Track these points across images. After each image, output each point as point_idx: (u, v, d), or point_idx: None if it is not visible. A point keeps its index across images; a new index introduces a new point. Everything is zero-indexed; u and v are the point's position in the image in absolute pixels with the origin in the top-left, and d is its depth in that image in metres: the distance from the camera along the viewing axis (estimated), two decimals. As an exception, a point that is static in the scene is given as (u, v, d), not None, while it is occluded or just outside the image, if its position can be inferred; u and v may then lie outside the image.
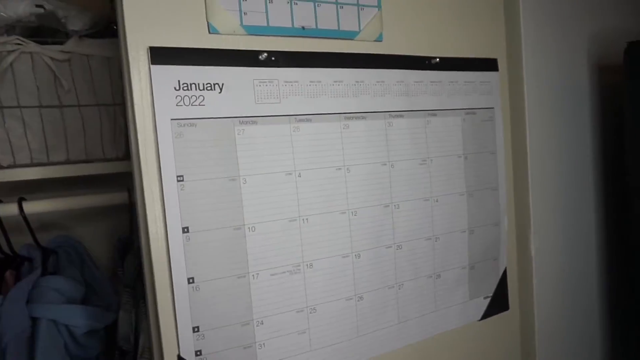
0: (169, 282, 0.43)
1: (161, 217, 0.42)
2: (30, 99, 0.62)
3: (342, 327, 0.52)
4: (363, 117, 0.53)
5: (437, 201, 0.59)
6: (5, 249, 0.63)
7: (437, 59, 0.59)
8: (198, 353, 0.44)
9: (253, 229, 0.46)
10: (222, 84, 0.45)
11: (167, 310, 0.43)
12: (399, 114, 0.56)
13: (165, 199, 0.42)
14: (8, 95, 0.62)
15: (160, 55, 0.41)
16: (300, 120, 0.49)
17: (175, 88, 0.42)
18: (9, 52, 0.60)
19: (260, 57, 0.47)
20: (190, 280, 0.44)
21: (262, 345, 0.48)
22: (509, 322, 0.68)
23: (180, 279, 0.43)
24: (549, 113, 0.68)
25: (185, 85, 0.43)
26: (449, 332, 0.62)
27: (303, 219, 0.49)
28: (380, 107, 0.54)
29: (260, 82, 0.47)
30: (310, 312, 0.50)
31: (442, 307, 0.61)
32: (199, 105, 0.43)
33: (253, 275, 0.47)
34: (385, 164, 0.55)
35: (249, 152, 0.46)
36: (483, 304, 0.65)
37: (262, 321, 0.47)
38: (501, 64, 0.65)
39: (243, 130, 0.46)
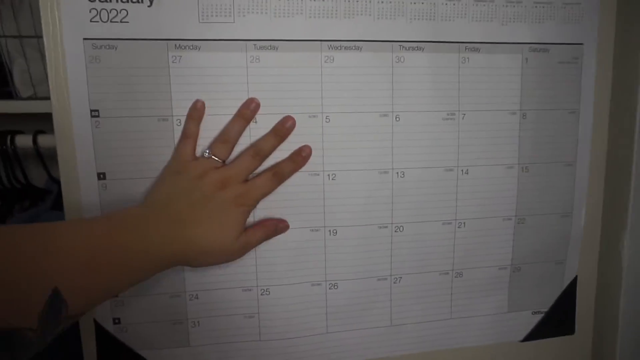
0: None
1: (74, 161, 0.39)
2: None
3: (305, 319, 0.45)
4: (357, 48, 0.43)
5: (466, 172, 0.47)
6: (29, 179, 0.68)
7: (488, -33, 0.44)
8: (116, 320, 0.42)
9: (187, 183, 0.41)
10: (154, -5, 0.38)
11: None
12: (416, 45, 0.44)
13: (75, 139, 0.38)
14: (27, 23, 0.64)
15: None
16: (261, 48, 0.41)
17: (89, -1, 0.37)
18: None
19: (210, -40, 0.39)
20: (106, 236, 0.40)
21: (196, 323, 0.43)
22: (573, 351, 0.54)
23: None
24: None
25: (104, -5, 0.37)
26: (468, 349, 0.51)
27: (257, 178, 0.42)
28: (385, 34, 0.43)
29: (208, -6, 0.39)
30: (262, 293, 0.44)
31: (461, 316, 0.49)
32: (121, 22, 0.38)
33: (186, 240, 0.42)
34: (386, 115, 0.44)
35: (187, 86, 0.40)
36: (530, 320, 0.52)
37: (196, 295, 0.43)
38: (605, -24, 0.47)
39: (179, 57, 0.39)
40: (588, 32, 0.47)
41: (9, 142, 0.63)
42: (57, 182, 0.69)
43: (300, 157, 0.42)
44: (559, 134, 0.48)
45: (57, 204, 0.68)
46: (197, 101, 0.39)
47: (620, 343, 0.52)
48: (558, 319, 0.53)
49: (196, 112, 0.39)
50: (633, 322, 0.51)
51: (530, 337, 0.52)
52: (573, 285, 0.52)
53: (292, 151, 0.42)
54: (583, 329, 0.54)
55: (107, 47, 0.38)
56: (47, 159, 0.65)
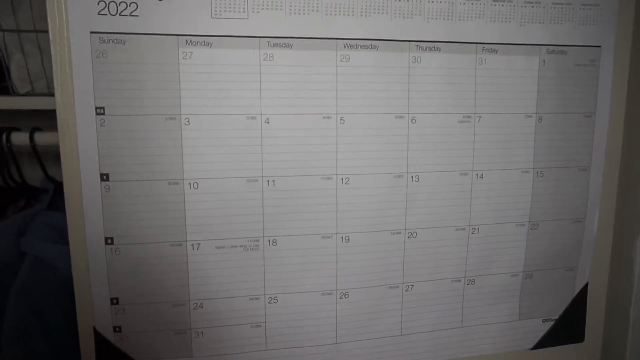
0: (84, 244, 0.40)
1: (76, 161, 0.39)
2: (46, 24, 0.64)
3: (313, 328, 0.46)
4: (374, 47, 0.44)
5: (481, 177, 0.48)
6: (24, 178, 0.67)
7: (508, -34, 0.46)
8: (117, 329, 0.42)
9: (195, 185, 0.41)
10: (164, -12, 0.39)
11: (83, 278, 0.41)
12: (433, 45, 0.45)
13: (79, 136, 0.39)
14: (26, 17, 0.64)
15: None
16: (275, 45, 0.41)
17: (97, -10, 0.37)
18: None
19: (224, -48, 0.39)
20: (109, 241, 0.41)
21: (200, 334, 0.44)
22: (582, 359, 0.56)
23: (96, 239, 0.40)
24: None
25: (112, -13, 0.38)
26: (478, 358, 0.52)
27: (268, 180, 0.43)
28: (402, 34, 0.44)
29: (221, -12, 0.40)
30: (269, 302, 0.45)
31: (472, 324, 0.51)
32: (130, 15, 0.38)
33: (192, 245, 0.42)
34: (402, 117, 0.45)
35: (197, 83, 0.40)
36: (541, 328, 0.54)
37: (201, 304, 0.43)
38: (623, -22, 0.50)
39: (190, 54, 0.40)
40: (606, 35, 0.49)
41: (4, 139, 0.63)
42: (54, 181, 0.69)
43: None
44: (574, 138, 0.50)
45: (53, 204, 0.67)
46: None
47: (630, 352, 0.54)
48: (568, 327, 0.55)
49: None
50: (644, 331, 0.54)
51: (540, 344, 0.54)
52: (584, 292, 0.55)
53: (307, 153, 0.43)
54: (592, 336, 0.56)
55: (115, 41, 0.38)
56: (43, 157, 0.64)
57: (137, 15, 0.38)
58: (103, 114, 0.39)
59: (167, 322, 0.43)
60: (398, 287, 0.48)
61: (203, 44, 0.40)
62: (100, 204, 0.40)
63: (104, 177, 0.40)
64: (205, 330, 0.44)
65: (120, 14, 0.38)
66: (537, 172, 0.50)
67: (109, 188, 0.40)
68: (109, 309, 0.42)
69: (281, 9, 0.41)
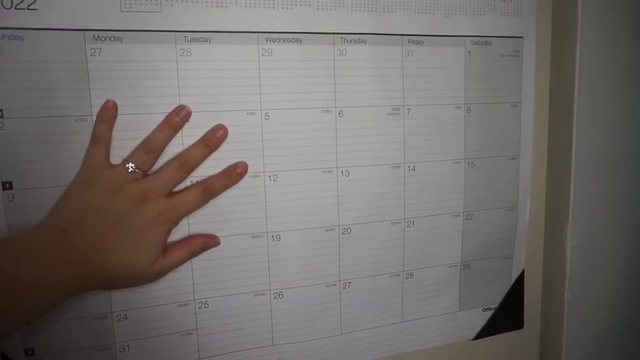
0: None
1: (-26, 167, 0.36)
2: None
3: (248, 331, 0.45)
4: (296, 41, 0.43)
5: (413, 169, 0.48)
6: None
7: (429, -43, 0.46)
8: (29, 352, 0.39)
9: (111, 190, 0.39)
10: (67, -20, 0.36)
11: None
12: (358, 37, 0.45)
13: (-25, 141, 0.36)
14: None
15: None
16: (192, 40, 0.40)
17: (-12, -18, 0.35)
18: None
19: (131, -59, 0.38)
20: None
21: (126, 348, 0.42)
22: (522, 346, 0.58)
23: None
24: (613, 53, 0.53)
25: (6, -22, 0.35)
26: (422, 352, 0.53)
27: (191, 180, 0.41)
28: (326, 26, 0.44)
29: (129, -21, 0.38)
30: (199, 307, 0.43)
31: (412, 318, 0.51)
32: (28, 9, 0.36)
33: (112, 254, 0.40)
34: (329, 111, 0.45)
35: (108, 82, 0.38)
36: (481, 317, 0.55)
37: (125, 315, 0.41)
38: (541, -31, 0.51)
39: (99, 50, 0.38)
40: (527, 26, 0.51)
41: None
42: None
43: (235, 173, 0.41)
44: (502, 127, 0.52)
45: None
46: (107, 101, 0.38)
47: (566, 335, 0.56)
48: (507, 315, 0.56)
49: (107, 113, 0.37)
50: (578, 314, 0.56)
51: (481, 334, 0.55)
52: (520, 279, 0.56)
53: (231, 151, 0.41)
54: (531, 322, 0.58)
55: (12, 37, 0.35)
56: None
57: (35, 9, 0.36)
58: (2, 117, 0.36)
59: (87, 338, 0.41)
60: (335, 285, 0.48)
61: (113, 39, 0.38)
62: (5, 214, 0.37)
63: (7, 185, 0.37)
64: (131, 343, 0.42)
65: (15, 7, 0.35)
66: (469, 163, 0.50)
67: (13, 197, 0.37)
68: (19, 331, 0.39)
69: (197, 2, 0.40)
